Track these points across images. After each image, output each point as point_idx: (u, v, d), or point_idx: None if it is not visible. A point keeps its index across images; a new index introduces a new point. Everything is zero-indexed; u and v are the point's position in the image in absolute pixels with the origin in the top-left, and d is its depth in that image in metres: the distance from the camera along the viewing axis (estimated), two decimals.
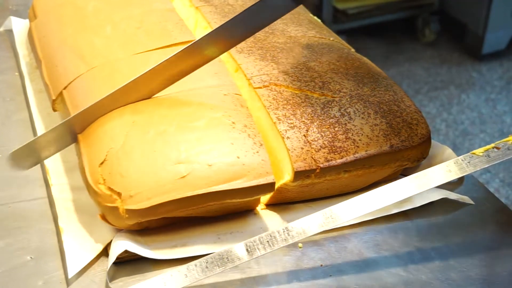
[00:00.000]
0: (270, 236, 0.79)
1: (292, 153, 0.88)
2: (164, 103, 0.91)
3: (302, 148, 0.88)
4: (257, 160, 0.85)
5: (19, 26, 1.33)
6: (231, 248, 0.78)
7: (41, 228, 0.88)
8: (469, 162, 0.85)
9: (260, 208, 0.92)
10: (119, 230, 0.85)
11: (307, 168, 0.87)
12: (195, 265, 0.77)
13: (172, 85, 0.93)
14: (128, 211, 0.81)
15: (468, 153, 0.86)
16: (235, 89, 0.95)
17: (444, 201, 0.93)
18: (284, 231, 0.80)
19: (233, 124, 0.88)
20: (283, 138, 0.89)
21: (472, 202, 0.94)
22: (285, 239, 0.80)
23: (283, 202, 0.93)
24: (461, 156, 0.86)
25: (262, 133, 0.94)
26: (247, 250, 0.78)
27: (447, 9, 3.38)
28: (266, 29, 1.10)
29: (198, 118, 0.88)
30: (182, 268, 0.77)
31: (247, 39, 1.05)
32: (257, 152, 0.85)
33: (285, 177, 0.89)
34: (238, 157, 0.84)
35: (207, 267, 0.77)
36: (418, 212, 0.93)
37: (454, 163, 0.85)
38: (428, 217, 0.93)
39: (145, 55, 1.01)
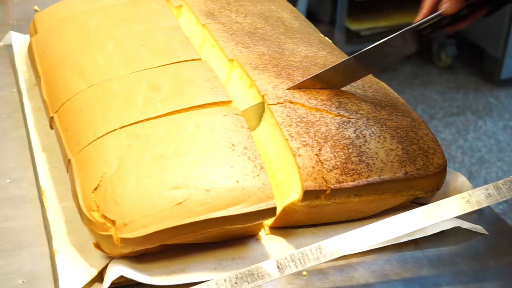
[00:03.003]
0: (302, 254, 0.79)
1: (302, 172, 0.86)
2: (160, 126, 0.89)
3: (313, 167, 0.86)
4: (257, 184, 0.82)
5: (19, 41, 1.32)
6: (261, 264, 0.78)
7: (34, 251, 0.87)
8: (509, 186, 0.85)
9: (264, 233, 0.90)
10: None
11: (317, 188, 0.86)
12: (224, 280, 0.77)
13: (166, 105, 0.92)
14: (123, 239, 0.79)
15: (509, 178, 0.85)
16: (234, 109, 0.93)
17: (456, 230, 0.91)
18: (316, 250, 0.80)
19: (232, 146, 0.86)
20: (294, 155, 0.87)
21: (485, 232, 0.92)
22: (317, 258, 0.79)
23: (288, 226, 0.91)
24: (501, 180, 0.85)
25: (274, 150, 0.93)
26: (278, 267, 0.78)
27: (464, 33, 3.34)
28: (276, 48, 1.10)
29: (196, 141, 0.87)
30: (211, 283, 0.77)
31: (262, 57, 1.05)
32: (258, 175, 0.83)
33: (293, 196, 0.87)
34: (237, 181, 0.82)
35: (236, 283, 0.77)
36: (429, 241, 0.91)
37: (494, 187, 0.85)
38: (440, 246, 0.91)
39: (137, 74, 0.99)
